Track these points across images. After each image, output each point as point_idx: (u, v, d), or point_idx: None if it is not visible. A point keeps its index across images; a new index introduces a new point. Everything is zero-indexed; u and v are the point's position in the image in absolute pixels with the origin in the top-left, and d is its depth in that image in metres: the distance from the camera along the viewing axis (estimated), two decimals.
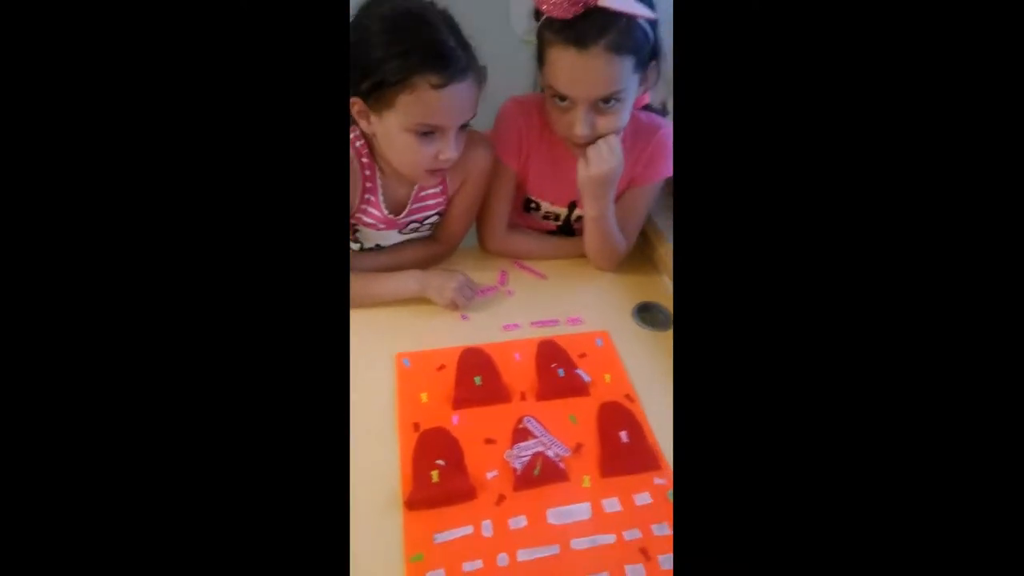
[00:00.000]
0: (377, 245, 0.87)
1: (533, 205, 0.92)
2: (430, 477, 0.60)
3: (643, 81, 0.78)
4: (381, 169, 0.79)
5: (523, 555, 0.56)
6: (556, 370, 0.73)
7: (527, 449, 0.64)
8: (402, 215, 0.83)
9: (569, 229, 0.95)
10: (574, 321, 0.83)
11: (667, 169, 0.87)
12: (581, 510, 0.60)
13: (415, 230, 0.88)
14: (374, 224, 0.83)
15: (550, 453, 0.64)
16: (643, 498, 0.61)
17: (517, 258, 0.93)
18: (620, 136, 0.79)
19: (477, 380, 0.71)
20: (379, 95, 0.68)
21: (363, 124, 0.73)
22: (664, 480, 0.63)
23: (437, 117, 0.69)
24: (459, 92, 0.68)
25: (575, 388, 0.72)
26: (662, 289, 0.90)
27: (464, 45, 0.69)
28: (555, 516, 0.59)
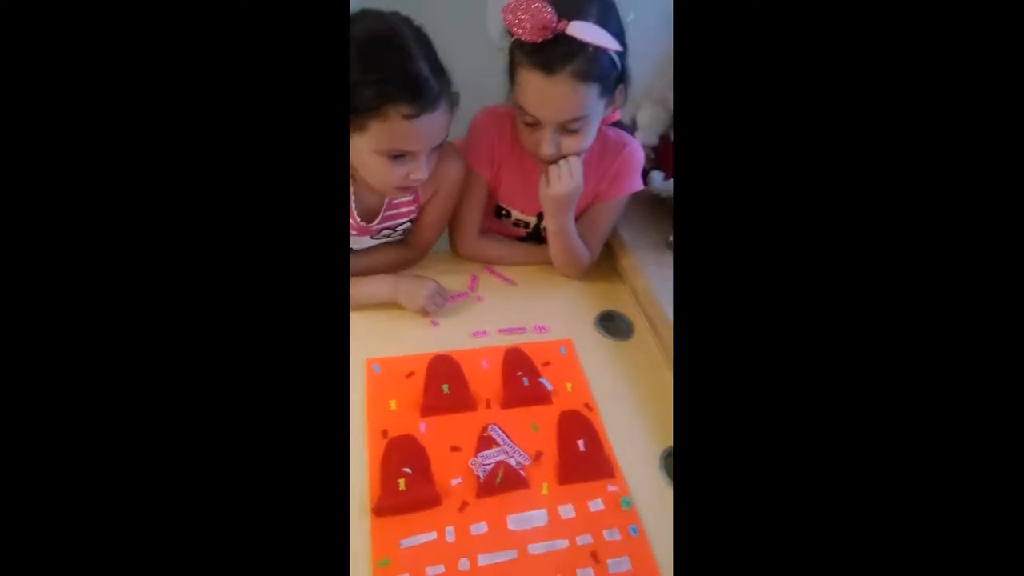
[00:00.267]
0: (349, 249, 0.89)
1: (504, 212, 0.95)
2: (397, 484, 0.63)
3: (610, 103, 0.80)
4: (353, 178, 0.81)
5: (483, 560, 0.60)
6: (521, 378, 0.77)
7: (490, 457, 0.68)
8: (375, 222, 0.85)
9: (538, 236, 0.98)
10: (540, 329, 0.86)
11: (632, 185, 0.90)
12: (539, 516, 0.64)
13: (388, 236, 0.90)
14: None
15: (512, 461, 0.68)
16: (596, 504, 0.66)
17: (487, 263, 0.96)
18: (583, 157, 0.82)
19: (445, 388, 0.74)
20: (351, 118, 0.69)
21: None
22: (616, 487, 0.67)
23: (408, 144, 0.71)
24: (430, 121, 0.70)
25: (538, 396, 0.76)
26: (625, 298, 0.94)
27: (438, 70, 0.70)
28: (514, 522, 0.63)
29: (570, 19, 0.70)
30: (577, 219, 0.94)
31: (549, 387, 0.77)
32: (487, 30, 1.04)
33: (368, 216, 0.84)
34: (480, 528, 0.62)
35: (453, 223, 0.93)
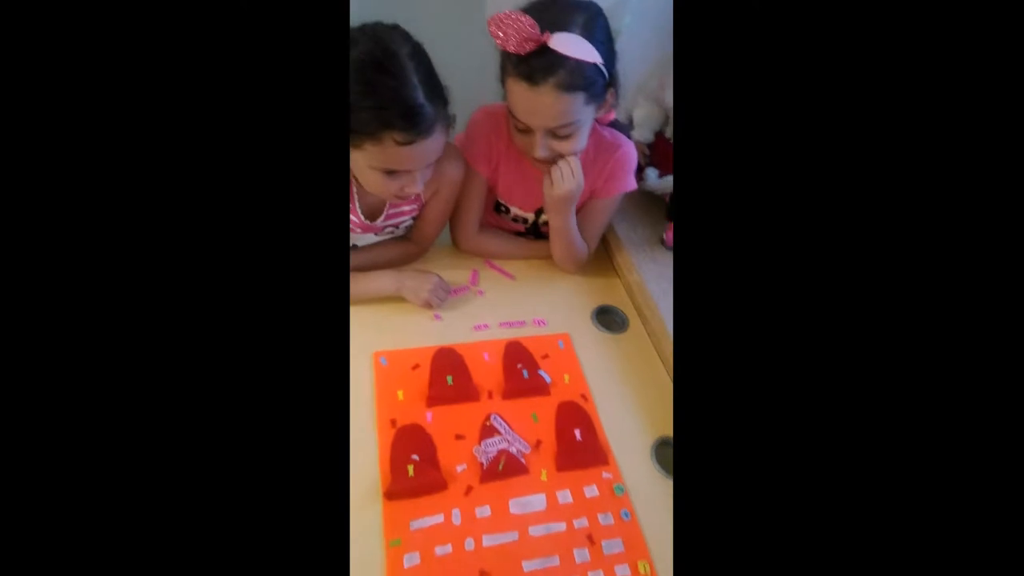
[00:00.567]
0: (354, 244, 0.92)
1: (503, 208, 0.98)
2: (406, 471, 0.68)
3: (600, 107, 0.82)
4: (356, 179, 0.83)
5: (487, 540, 0.65)
6: (521, 371, 0.81)
7: (493, 445, 0.73)
8: (378, 220, 0.88)
9: (537, 231, 1.01)
10: (539, 322, 0.90)
11: (626, 184, 0.93)
12: (538, 501, 0.69)
13: (391, 233, 0.93)
14: (352, 228, 0.88)
15: (513, 449, 0.73)
16: (591, 490, 0.71)
17: (488, 257, 0.99)
18: (579, 156, 0.85)
19: (449, 379, 0.78)
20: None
21: None
22: (610, 474, 0.72)
23: (402, 165, 0.73)
24: (424, 146, 0.72)
25: (537, 388, 0.80)
26: (621, 293, 0.98)
27: (434, 95, 0.71)
28: (516, 506, 0.68)
29: (553, 31, 0.72)
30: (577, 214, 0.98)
31: (548, 379, 0.81)
32: (488, 31, 1.07)
33: (372, 215, 0.87)
34: (484, 511, 0.67)
35: (454, 219, 0.96)
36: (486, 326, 0.88)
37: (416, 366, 0.81)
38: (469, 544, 0.64)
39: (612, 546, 0.66)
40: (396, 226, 0.91)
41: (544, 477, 0.71)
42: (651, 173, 1.05)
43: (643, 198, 1.05)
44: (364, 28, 0.70)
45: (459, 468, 0.71)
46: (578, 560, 0.64)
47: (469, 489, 0.69)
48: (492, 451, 0.72)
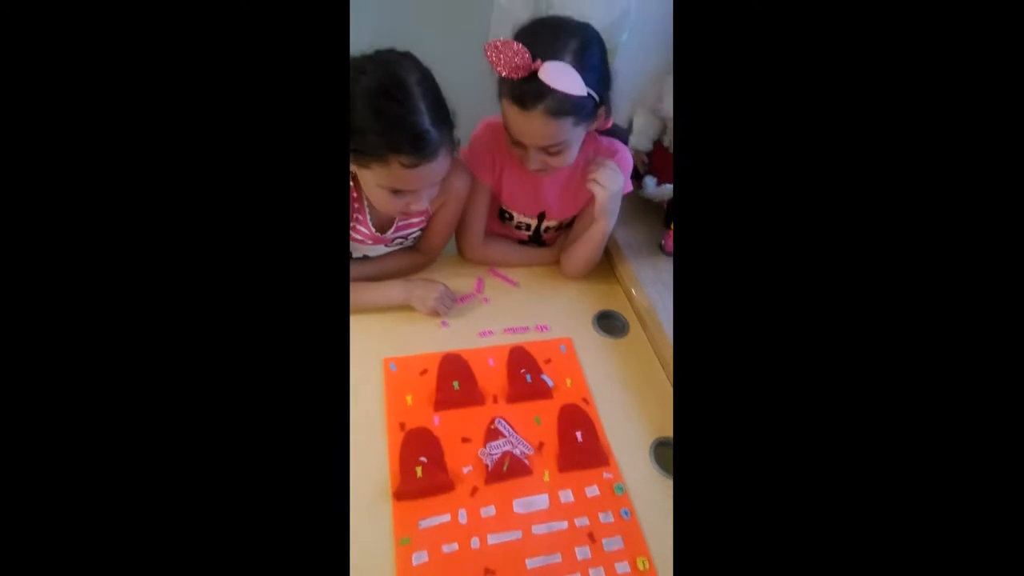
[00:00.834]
0: (365, 255, 0.95)
1: (507, 215, 1.01)
2: (415, 472, 0.71)
3: (592, 124, 0.85)
4: (366, 195, 0.87)
5: (492, 539, 0.68)
6: (524, 375, 0.84)
7: (497, 448, 0.76)
8: (388, 232, 0.91)
9: (539, 239, 1.05)
10: (542, 328, 0.93)
11: (626, 186, 0.97)
12: (541, 501, 0.72)
13: (400, 244, 0.96)
14: (363, 240, 0.91)
15: (517, 451, 0.76)
16: (592, 490, 0.73)
17: (492, 265, 1.03)
18: (581, 162, 0.89)
19: (455, 384, 0.82)
20: (357, 156, 0.75)
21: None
22: (611, 474, 0.75)
23: (407, 185, 0.77)
24: (430, 169, 0.75)
25: (540, 392, 0.83)
26: (621, 298, 1.01)
27: (440, 119, 0.74)
28: (519, 506, 0.71)
29: (546, 58, 0.74)
30: (577, 218, 1.01)
31: (550, 383, 0.84)
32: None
33: (382, 227, 0.91)
34: (489, 511, 0.70)
35: (460, 229, 1.00)
36: (491, 332, 0.91)
37: (424, 371, 0.84)
38: (475, 543, 0.67)
39: (612, 543, 0.69)
40: (405, 237, 0.95)
41: (547, 478, 0.74)
42: (649, 181, 1.07)
43: (642, 205, 1.08)
44: (377, 56, 0.74)
45: (465, 470, 0.74)
46: (579, 557, 0.67)
47: (475, 490, 0.72)
48: (497, 453, 0.75)
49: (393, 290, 0.91)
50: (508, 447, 0.76)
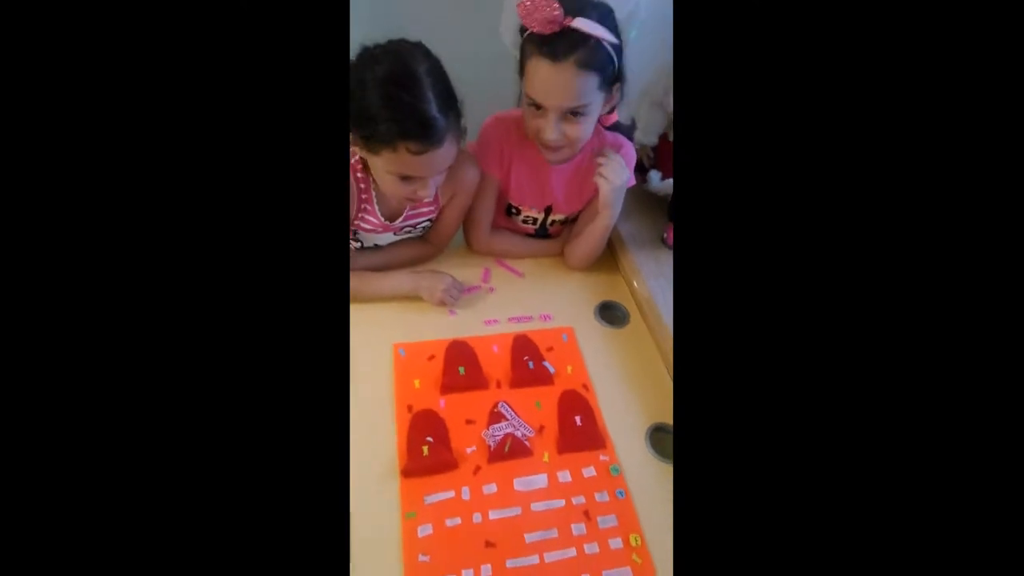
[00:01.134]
0: (375, 244, 0.99)
1: (514, 210, 1.05)
2: (421, 451, 0.76)
3: (607, 100, 0.89)
4: (375, 181, 0.90)
5: (493, 515, 0.72)
6: (527, 362, 0.88)
7: (500, 430, 0.80)
8: (397, 220, 0.95)
9: (545, 232, 1.08)
10: (545, 317, 0.97)
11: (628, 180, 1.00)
12: (540, 480, 0.76)
13: (409, 233, 1.00)
14: (372, 229, 0.95)
15: (518, 433, 0.80)
16: (589, 471, 0.77)
17: (499, 257, 1.06)
18: (587, 156, 0.92)
19: (461, 370, 0.86)
20: (368, 143, 0.79)
21: (357, 148, 0.84)
22: (607, 457, 0.79)
23: (415, 172, 0.81)
24: (436, 155, 0.79)
25: (542, 378, 0.87)
26: (623, 289, 1.04)
27: (448, 108, 0.78)
28: (520, 484, 0.75)
29: (575, 16, 0.80)
30: (582, 212, 1.04)
31: (552, 370, 0.88)
32: (500, 36, 1.14)
33: (391, 216, 0.95)
34: (491, 488, 0.74)
35: (467, 221, 1.03)
36: (496, 321, 0.95)
37: (431, 357, 0.88)
38: (477, 518, 0.71)
39: (607, 521, 0.72)
40: (414, 226, 0.98)
41: (546, 459, 0.78)
42: (654, 176, 1.10)
43: (646, 199, 1.11)
44: (389, 46, 0.78)
45: (469, 450, 0.78)
46: (575, 533, 0.71)
47: (477, 469, 0.76)
48: (499, 435, 0.79)
49: (402, 280, 0.95)
50: (510, 429, 0.80)
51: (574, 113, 0.85)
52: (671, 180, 1.08)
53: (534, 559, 0.68)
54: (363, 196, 0.91)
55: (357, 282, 0.93)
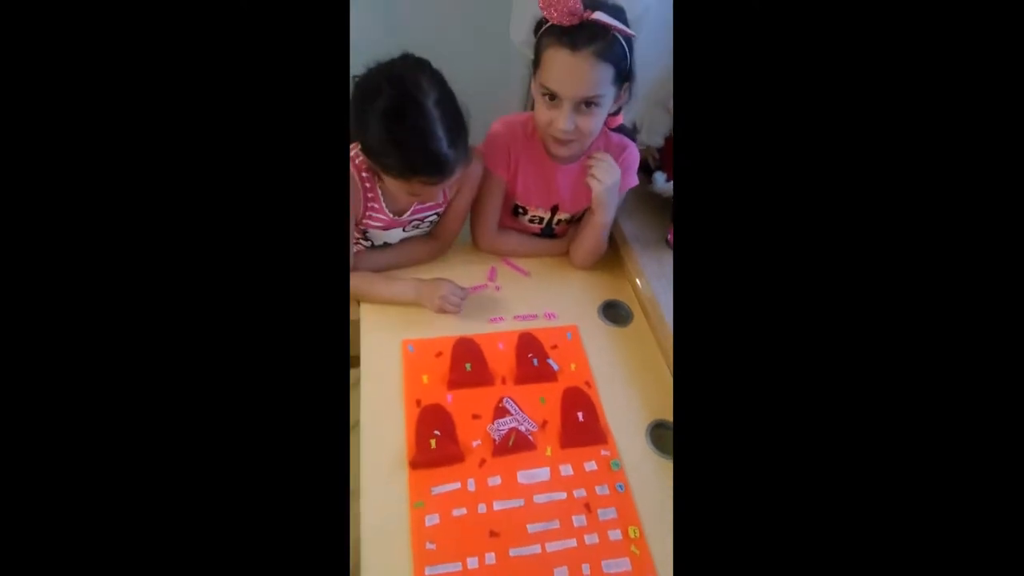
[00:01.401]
0: (385, 243, 1.02)
1: (521, 210, 1.07)
2: (429, 444, 0.79)
3: (618, 98, 0.91)
4: (380, 179, 0.91)
5: (497, 506, 0.75)
6: (531, 359, 0.91)
7: (504, 424, 0.83)
8: (405, 214, 0.98)
9: (550, 232, 1.10)
10: (550, 316, 0.99)
11: (631, 181, 1.03)
12: (543, 473, 0.79)
13: (416, 227, 1.02)
14: (381, 226, 0.97)
15: (522, 428, 0.83)
16: (591, 465, 0.80)
17: (504, 255, 1.09)
18: (589, 151, 0.96)
19: (468, 366, 0.88)
20: (376, 166, 0.82)
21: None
22: (608, 452, 0.82)
23: (424, 194, 0.85)
24: (447, 183, 0.82)
25: (545, 375, 0.90)
26: (627, 289, 1.07)
27: (457, 139, 0.79)
28: (523, 477, 0.78)
29: (594, 10, 0.83)
30: (586, 212, 1.07)
31: (555, 367, 0.91)
32: (510, 35, 1.16)
33: (399, 212, 0.97)
34: (495, 481, 0.77)
35: (474, 220, 1.06)
36: (502, 318, 0.98)
37: (439, 353, 0.91)
38: (481, 508, 0.75)
39: (607, 513, 0.75)
40: (422, 220, 1.01)
41: (549, 453, 0.81)
42: (659, 177, 1.12)
43: (650, 200, 1.13)
44: (392, 74, 0.78)
45: (475, 443, 0.81)
46: (576, 524, 0.74)
47: (483, 461, 0.79)
48: (504, 429, 0.82)
49: (405, 289, 0.97)
50: (514, 424, 0.83)
51: (588, 104, 0.87)
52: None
53: (536, 549, 0.71)
54: (369, 195, 0.93)
55: (364, 284, 0.96)
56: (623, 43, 0.85)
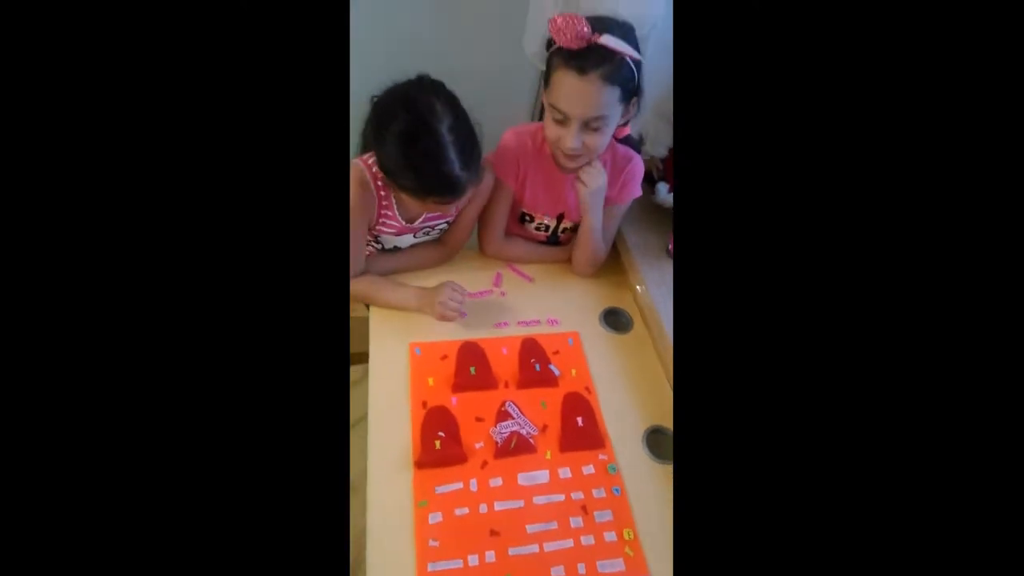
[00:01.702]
0: (395, 247, 1.05)
1: (528, 218, 1.10)
2: (434, 445, 0.82)
3: (625, 113, 0.94)
4: (395, 187, 0.93)
5: (498, 506, 0.78)
6: (533, 364, 0.94)
7: (506, 427, 0.86)
8: (417, 221, 1.00)
9: (556, 240, 1.13)
10: (552, 322, 1.02)
11: (636, 192, 1.05)
12: (542, 475, 0.82)
13: (427, 233, 1.06)
14: (393, 232, 1.01)
15: (523, 431, 0.86)
16: (588, 469, 0.83)
17: (510, 262, 1.12)
18: (601, 161, 0.98)
19: (472, 370, 0.91)
20: (391, 183, 0.85)
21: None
22: (606, 456, 0.85)
23: (438, 210, 0.89)
24: (458, 202, 0.86)
25: (547, 380, 0.93)
26: (628, 296, 1.10)
27: (470, 161, 0.82)
28: (523, 479, 0.81)
29: (602, 33, 0.85)
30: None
31: (557, 372, 0.94)
32: (524, 48, 1.19)
33: (410, 220, 1.00)
34: (497, 482, 0.81)
35: (481, 227, 1.09)
36: (506, 324, 1.01)
37: (445, 357, 0.94)
38: (483, 508, 0.78)
39: (603, 515, 0.78)
40: (432, 227, 1.04)
41: (548, 456, 0.84)
42: (662, 188, 1.15)
43: (653, 210, 1.15)
44: (407, 98, 0.81)
45: (477, 445, 0.84)
46: (573, 525, 0.77)
47: (485, 463, 0.82)
48: (505, 432, 0.85)
49: (408, 298, 0.99)
50: (516, 427, 0.86)
51: (595, 123, 0.90)
52: None
53: (534, 548, 0.75)
54: (384, 203, 0.96)
55: (372, 289, 0.99)
56: (631, 64, 0.87)
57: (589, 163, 0.98)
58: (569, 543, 0.76)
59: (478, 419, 0.87)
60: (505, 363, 0.95)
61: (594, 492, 0.81)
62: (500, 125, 1.04)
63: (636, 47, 0.89)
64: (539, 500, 0.79)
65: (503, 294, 1.06)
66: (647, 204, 1.14)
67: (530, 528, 0.76)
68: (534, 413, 0.89)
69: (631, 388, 0.94)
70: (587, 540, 0.76)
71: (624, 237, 1.12)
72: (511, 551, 0.74)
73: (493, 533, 0.75)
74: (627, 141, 1.07)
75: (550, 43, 0.89)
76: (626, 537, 0.77)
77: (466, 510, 0.77)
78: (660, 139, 1.18)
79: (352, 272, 0.97)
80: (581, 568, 0.73)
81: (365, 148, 0.91)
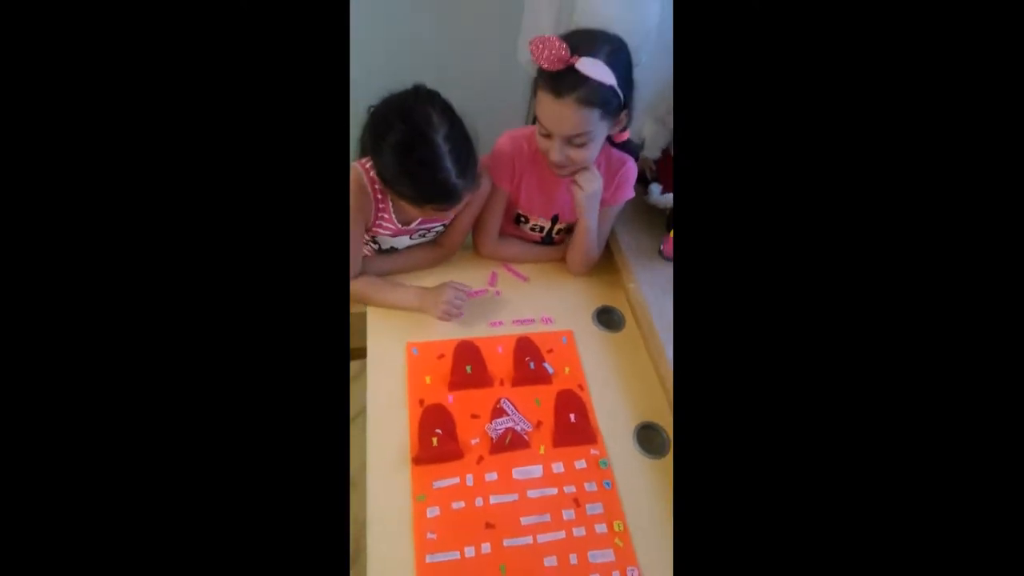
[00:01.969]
0: (392, 248, 1.07)
1: (522, 219, 1.13)
2: (431, 441, 0.85)
3: (615, 125, 0.96)
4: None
5: (493, 500, 0.81)
6: (528, 363, 0.96)
7: (502, 424, 0.89)
8: (413, 224, 1.03)
9: (550, 240, 1.16)
10: (546, 320, 1.05)
11: (628, 193, 1.08)
12: (536, 470, 0.85)
13: (423, 236, 1.08)
14: (389, 234, 1.03)
15: (518, 428, 0.89)
16: (580, 464, 0.86)
17: (504, 261, 1.14)
18: (596, 165, 1.00)
19: (468, 368, 0.94)
20: (389, 190, 0.87)
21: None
22: (597, 452, 0.88)
23: (436, 216, 0.92)
24: (456, 208, 0.89)
25: (541, 378, 0.96)
26: (621, 295, 1.12)
27: (467, 168, 0.84)
28: (518, 474, 0.84)
29: (582, 55, 0.85)
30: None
31: (550, 370, 0.96)
32: (518, 57, 1.21)
33: (407, 222, 1.02)
34: (492, 476, 0.84)
35: (476, 228, 1.11)
36: (501, 323, 1.04)
37: (441, 356, 0.97)
38: (479, 502, 0.81)
39: (594, 508, 0.82)
40: (428, 230, 1.06)
41: (542, 451, 0.87)
42: (655, 189, 1.17)
43: (646, 211, 1.18)
44: (403, 109, 0.83)
45: (473, 441, 0.87)
46: (565, 518, 0.80)
47: (480, 458, 0.85)
48: (501, 429, 0.88)
49: (408, 297, 1.02)
50: (511, 424, 0.89)
51: (577, 140, 0.92)
52: (671, 195, 1.15)
53: (528, 540, 0.78)
54: (380, 206, 0.98)
55: (371, 289, 1.02)
56: (612, 85, 0.87)
57: (585, 168, 1.00)
58: (561, 535, 0.79)
59: (474, 416, 0.90)
60: (500, 361, 0.97)
61: (586, 486, 0.84)
62: (496, 128, 1.07)
63: (623, 66, 0.89)
64: (533, 494, 0.82)
65: (498, 293, 1.09)
66: (640, 205, 1.16)
67: (524, 520, 0.79)
68: (528, 410, 0.92)
69: (623, 385, 0.97)
70: (579, 532, 0.79)
71: (617, 237, 1.15)
72: (506, 543, 0.77)
73: (489, 526, 0.78)
74: (626, 144, 1.09)
75: None
76: (616, 529, 0.80)
77: (463, 504, 0.80)
78: (654, 141, 1.21)
79: (350, 273, 1.00)
80: (573, 558, 0.77)
81: (363, 153, 0.93)
